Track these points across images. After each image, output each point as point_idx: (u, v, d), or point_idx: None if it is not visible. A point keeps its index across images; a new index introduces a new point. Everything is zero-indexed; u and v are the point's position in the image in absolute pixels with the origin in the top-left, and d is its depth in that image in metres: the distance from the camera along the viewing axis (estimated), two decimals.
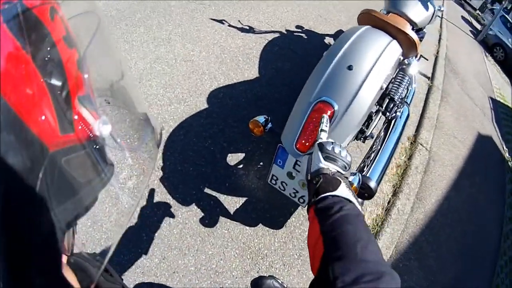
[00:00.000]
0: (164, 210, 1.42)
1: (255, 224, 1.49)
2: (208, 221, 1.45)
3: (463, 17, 7.87)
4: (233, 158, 1.68)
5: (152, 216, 1.39)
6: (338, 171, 0.59)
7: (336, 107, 1.02)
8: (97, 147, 0.31)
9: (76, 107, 0.28)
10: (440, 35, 4.40)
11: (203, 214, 1.46)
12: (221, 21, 2.50)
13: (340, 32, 3.08)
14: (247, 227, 1.47)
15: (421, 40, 2.17)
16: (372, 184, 1.12)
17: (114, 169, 0.34)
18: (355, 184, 1.04)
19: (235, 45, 2.35)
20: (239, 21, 2.61)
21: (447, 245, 1.96)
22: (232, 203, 1.53)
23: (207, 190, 1.54)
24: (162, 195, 1.46)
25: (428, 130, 2.50)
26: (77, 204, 0.28)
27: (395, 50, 1.39)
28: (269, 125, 1.18)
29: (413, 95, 1.82)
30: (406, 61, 1.67)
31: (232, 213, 1.50)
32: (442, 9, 2.22)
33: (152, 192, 1.45)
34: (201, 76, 2.02)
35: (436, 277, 1.75)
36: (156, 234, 1.35)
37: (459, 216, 2.19)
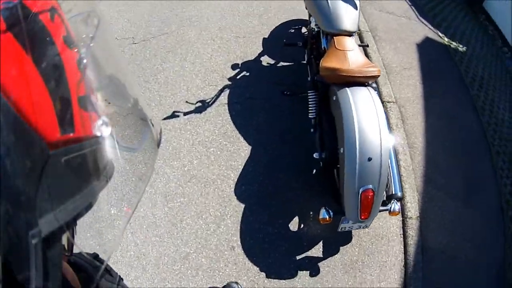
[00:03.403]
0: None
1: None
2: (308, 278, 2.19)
3: None
4: (293, 226, 2.37)
5: None
6: None
7: (374, 188, 1.66)
8: (97, 147, 0.34)
9: (76, 107, 0.30)
10: None
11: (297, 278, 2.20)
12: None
13: (265, 45, 3.51)
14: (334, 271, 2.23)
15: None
16: (399, 194, 1.90)
17: (114, 170, 0.37)
18: (397, 210, 1.86)
19: (210, 133, 2.80)
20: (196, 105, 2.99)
21: (443, 158, 2.81)
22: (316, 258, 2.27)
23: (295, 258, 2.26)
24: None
25: (384, 83, 3.18)
26: (77, 204, 0.30)
27: (375, 95, 1.83)
28: (331, 213, 1.89)
29: None
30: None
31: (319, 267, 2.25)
32: None
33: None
34: (213, 187, 2.49)
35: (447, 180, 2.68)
36: None
37: (441, 132, 2.98)
